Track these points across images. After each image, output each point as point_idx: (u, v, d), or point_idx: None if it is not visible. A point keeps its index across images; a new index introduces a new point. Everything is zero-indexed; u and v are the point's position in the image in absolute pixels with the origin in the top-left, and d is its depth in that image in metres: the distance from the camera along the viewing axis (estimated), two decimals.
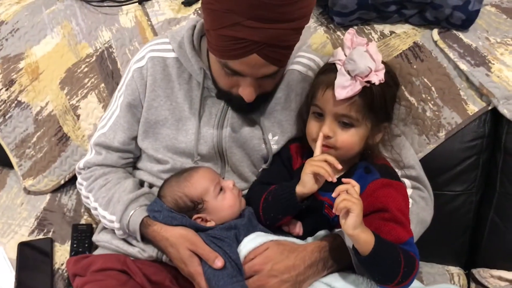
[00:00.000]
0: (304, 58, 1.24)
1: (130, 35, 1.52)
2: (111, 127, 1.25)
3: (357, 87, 0.98)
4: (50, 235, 1.43)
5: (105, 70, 1.50)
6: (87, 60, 1.52)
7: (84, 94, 1.51)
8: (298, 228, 1.12)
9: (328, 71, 1.05)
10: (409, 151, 1.23)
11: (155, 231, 1.11)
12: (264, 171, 1.22)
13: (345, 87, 0.99)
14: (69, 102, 1.51)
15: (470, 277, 1.41)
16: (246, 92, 1.06)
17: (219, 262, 1.02)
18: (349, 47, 1.03)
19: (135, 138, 1.25)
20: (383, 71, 0.99)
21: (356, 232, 0.92)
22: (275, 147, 1.20)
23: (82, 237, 1.37)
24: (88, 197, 1.25)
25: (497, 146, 1.32)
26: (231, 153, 1.20)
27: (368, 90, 0.99)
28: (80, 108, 1.51)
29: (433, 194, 1.24)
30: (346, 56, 1.05)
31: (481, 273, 1.39)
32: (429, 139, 1.30)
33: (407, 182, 1.20)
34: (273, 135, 1.20)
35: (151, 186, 1.25)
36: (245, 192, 1.22)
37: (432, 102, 1.30)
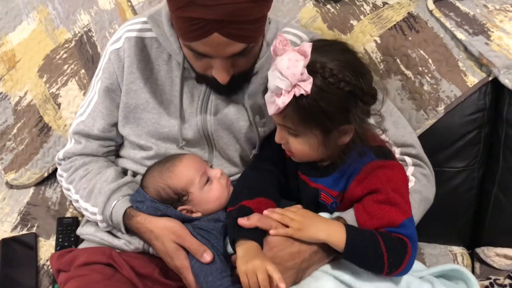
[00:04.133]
0: (289, 35, 1.17)
1: (109, 17, 1.47)
2: (90, 114, 1.20)
3: (277, 105, 0.91)
4: (34, 230, 1.40)
5: (85, 55, 1.46)
6: (66, 45, 1.48)
7: (64, 81, 1.47)
8: None
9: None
10: (406, 129, 1.17)
11: (138, 223, 1.07)
12: (256, 157, 1.16)
13: (271, 102, 0.93)
14: (48, 91, 1.48)
15: (474, 257, 1.37)
16: (219, 74, 1.00)
17: (208, 256, 0.98)
18: (273, 57, 0.94)
19: (115, 125, 1.20)
20: (308, 81, 0.88)
21: (320, 238, 0.94)
22: (263, 130, 1.15)
23: (68, 230, 1.34)
24: (69, 189, 1.21)
25: (499, 119, 1.26)
26: (217, 136, 1.15)
27: (300, 101, 0.89)
28: (60, 96, 1.47)
29: (434, 171, 1.19)
30: None
31: (486, 252, 1.34)
32: (428, 114, 1.24)
33: (407, 159, 1.14)
34: (260, 117, 1.14)
35: (134, 174, 1.20)
36: (235, 177, 1.17)
37: (430, 75, 1.25)
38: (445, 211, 1.30)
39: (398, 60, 1.26)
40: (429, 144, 1.20)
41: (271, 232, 0.97)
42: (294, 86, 0.89)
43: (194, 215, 1.07)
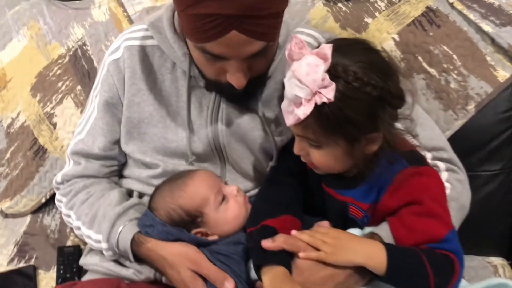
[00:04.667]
0: (303, 35, 1.09)
1: (105, 29, 1.43)
2: (89, 132, 1.13)
3: (296, 116, 0.83)
4: (32, 261, 1.32)
5: (81, 70, 1.41)
6: (60, 61, 1.43)
7: (59, 99, 1.41)
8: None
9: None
10: (435, 131, 1.09)
11: (149, 250, 0.98)
12: (273, 169, 1.08)
13: (289, 112, 0.85)
14: (43, 110, 1.41)
15: None
16: (235, 78, 0.91)
17: (229, 285, 0.91)
18: (288, 63, 0.86)
19: (117, 142, 1.12)
20: (331, 88, 0.80)
21: (358, 262, 0.87)
22: (280, 140, 1.07)
23: (69, 261, 1.26)
24: (69, 215, 1.12)
25: None
26: (230, 149, 1.07)
27: (322, 110, 0.82)
28: (56, 115, 1.41)
29: (467, 176, 1.10)
30: None
31: None
32: (457, 114, 1.17)
33: (440, 164, 1.06)
34: (276, 126, 1.07)
35: (141, 195, 1.13)
36: (251, 193, 1.09)
37: (456, 72, 1.17)
38: (480, 219, 1.20)
39: (420, 57, 1.19)
40: (460, 146, 1.12)
41: (301, 255, 0.88)
42: (315, 93, 0.81)
43: (210, 238, 0.99)
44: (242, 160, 1.08)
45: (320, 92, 0.80)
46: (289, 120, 0.86)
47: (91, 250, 1.13)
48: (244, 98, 1.03)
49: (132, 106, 1.07)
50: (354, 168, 0.93)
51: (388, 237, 0.92)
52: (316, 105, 0.81)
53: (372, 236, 0.94)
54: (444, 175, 1.06)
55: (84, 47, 1.42)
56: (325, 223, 1.00)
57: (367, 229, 0.97)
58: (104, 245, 1.02)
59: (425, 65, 1.19)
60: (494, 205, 1.23)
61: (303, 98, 0.81)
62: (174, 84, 1.07)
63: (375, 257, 0.86)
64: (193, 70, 1.03)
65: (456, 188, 1.05)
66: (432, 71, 1.19)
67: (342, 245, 0.88)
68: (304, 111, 0.82)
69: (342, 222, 0.99)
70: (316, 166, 0.93)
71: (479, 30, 1.18)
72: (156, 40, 1.07)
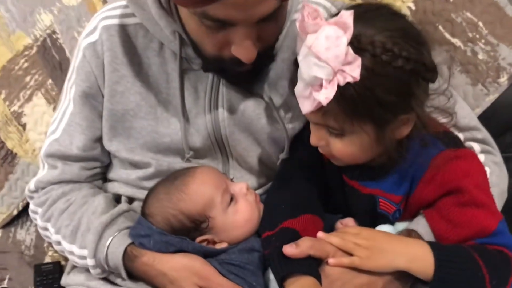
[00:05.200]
0: (312, 4, 0.96)
1: (77, 14, 1.33)
2: (65, 130, 1.01)
3: (315, 101, 0.72)
4: (5, 284, 1.23)
5: (51, 62, 1.33)
6: (26, 53, 1.34)
7: (28, 96, 1.33)
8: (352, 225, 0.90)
9: (296, 64, 0.78)
10: (465, 109, 1.00)
11: (145, 264, 0.87)
12: (285, 162, 0.96)
13: (306, 97, 0.74)
14: (9, 110, 1.33)
15: None
16: (244, 49, 0.78)
17: None
18: (301, 37, 0.74)
19: (99, 140, 1.01)
20: (355, 64, 0.70)
21: (399, 267, 0.77)
22: (291, 127, 0.96)
23: (49, 280, 1.17)
24: (46, 229, 1.01)
25: None
26: (234, 141, 0.96)
27: (346, 91, 0.72)
28: (24, 115, 1.33)
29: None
30: None
31: None
32: (488, 88, 1.09)
33: (475, 146, 0.97)
34: (285, 112, 0.95)
35: (131, 200, 1.02)
36: (260, 191, 0.99)
37: (483, 41, 1.09)
38: None
39: (440, 27, 1.11)
40: (491, 124, 1.02)
41: (330, 261, 0.77)
42: (337, 72, 0.70)
43: (219, 246, 0.88)
44: (248, 154, 0.97)
45: (343, 70, 0.69)
46: (306, 107, 0.74)
47: (74, 267, 1.02)
48: (249, 79, 0.91)
49: (114, 96, 0.96)
50: (382, 155, 0.82)
51: (426, 234, 0.83)
52: (338, 86, 0.70)
53: (409, 233, 0.84)
54: (480, 158, 0.96)
55: (54, 36, 1.32)
56: (350, 220, 0.90)
57: (400, 225, 0.88)
58: (90, 262, 0.91)
59: (447, 35, 1.11)
60: None
61: (324, 79, 0.69)
62: (162, 68, 0.95)
63: (420, 259, 0.76)
64: (185, 50, 0.92)
65: (495, 172, 0.96)
66: (456, 41, 1.11)
67: (379, 248, 0.78)
68: (326, 94, 0.70)
69: (370, 218, 0.89)
70: (337, 158, 0.82)
71: None
72: (138, 18, 0.95)
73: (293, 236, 0.79)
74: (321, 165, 0.92)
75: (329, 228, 0.89)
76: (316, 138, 0.80)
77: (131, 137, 0.97)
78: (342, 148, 0.78)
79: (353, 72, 0.69)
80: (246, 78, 0.89)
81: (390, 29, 0.72)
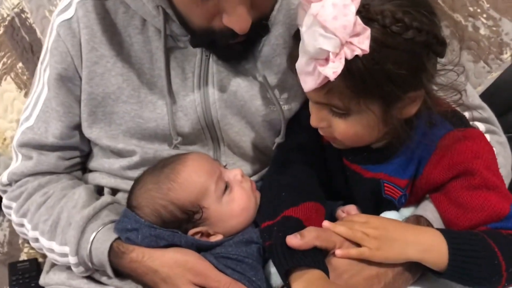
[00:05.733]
0: None
1: None
2: (40, 117, 0.95)
3: (320, 77, 0.67)
4: None
5: (21, 43, 1.27)
6: None
7: None
8: (355, 213, 0.85)
9: (297, 37, 0.72)
10: (468, 88, 0.96)
11: (134, 261, 0.81)
12: (282, 146, 0.91)
13: (309, 73, 0.69)
14: None
15: None
16: (237, 18, 0.72)
17: None
18: (304, 3, 0.68)
19: (78, 127, 0.95)
20: (364, 35, 0.65)
21: (412, 258, 0.73)
22: (287, 109, 0.90)
23: (25, 279, 1.12)
24: (22, 224, 0.96)
25: None
26: (226, 125, 0.90)
27: (353, 66, 0.67)
28: None
29: None
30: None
31: None
32: (490, 66, 1.08)
33: (480, 126, 0.94)
34: (281, 92, 0.90)
35: (114, 192, 0.97)
36: (254, 178, 0.94)
37: (485, 15, 1.07)
38: None
39: (440, 1, 1.08)
40: (494, 103, 0.99)
41: (338, 253, 0.73)
42: (344, 44, 0.64)
43: (213, 239, 0.82)
44: (241, 138, 0.92)
45: (350, 43, 0.64)
46: (309, 84, 0.69)
47: (54, 265, 0.96)
48: (242, 53, 0.85)
49: (93, 78, 0.89)
50: (386, 136, 0.78)
51: (436, 220, 0.80)
52: (345, 60, 0.65)
53: (418, 219, 0.80)
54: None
55: (23, 15, 1.25)
56: (352, 207, 0.86)
57: (406, 211, 0.84)
58: (72, 259, 0.85)
59: (447, 9, 1.10)
60: None
61: (331, 51, 0.64)
62: (146, 47, 0.89)
63: (433, 249, 0.73)
64: (170, 27, 0.85)
65: (500, 153, 0.93)
66: (457, 16, 1.10)
67: (390, 237, 0.74)
68: (334, 69, 0.64)
69: (374, 204, 0.85)
70: (339, 140, 0.77)
71: None
72: None
73: (297, 226, 0.73)
74: (321, 148, 0.87)
75: (329, 216, 0.84)
76: (317, 119, 0.75)
77: (113, 123, 0.91)
78: (346, 129, 0.74)
79: (362, 44, 0.64)
80: (239, 52, 0.84)
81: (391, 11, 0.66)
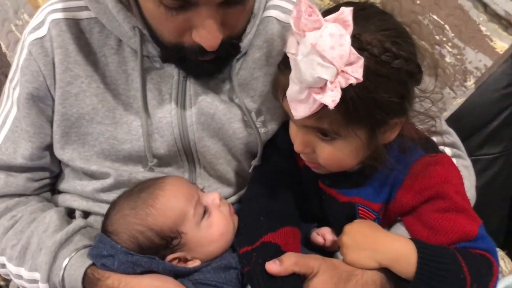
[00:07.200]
0: (283, 1, 0.91)
1: (14, 5, 1.21)
2: (8, 137, 0.89)
3: (315, 105, 0.67)
4: None
5: None
6: None
7: None
8: (330, 235, 0.85)
9: (286, 65, 0.72)
10: None
11: None
12: (258, 169, 0.90)
13: (301, 101, 0.69)
14: None
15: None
16: (206, 34, 0.71)
17: None
18: (297, 33, 0.68)
19: (48, 147, 0.90)
20: (358, 64, 0.66)
21: (383, 263, 0.74)
22: (263, 132, 0.89)
23: None
24: None
25: None
26: (203, 147, 0.87)
27: (346, 93, 0.67)
28: None
29: None
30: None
31: None
32: (455, 92, 1.10)
33: (447, 150, 0.95)
34: (258, 115, 0.88)
35: (86, 215, 0.91)
36: (231, 199, 0.92)
37: (450, 44, 1.09)
38: (478, 208, 1.08)
39: (407, 29, 1.03)
40: (457, 128, 1.01)
41: None
42: (338, 73, 0.65)
43: (191, 264, 0.78)
44: (217, 161, 0.89)
45: (345, 71, 0.65)
46: (301, 112, 0.68)
47: None
48: (212, 71, 0.84)
49: (68, 98, 0.85)
50: (364, 162, 0.78)
51: None
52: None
53: None
54: None
55: None
56: (327, 230, 0.86)
57: None
58: (43, 286, 0.80)
59: (414, 37, 1.04)
60: (494, 192, 1.16)
61: (329, 80, 0.64)
62: (121, 68, 0.85)
63: (402, 258, 0.73)
64: (146, 47, 0.83)
65: (466, 177, 0.93)
66: (423, 44, 1.02)
67: (357, 245, 0.76)
68: (333, 97, 0.64)
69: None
70: (322, 165, 0.77)
71: None
72: (93, 12, 0.84)
73: (276, 251, 0.73)
74: (298, 172, 0.86)
75: (304, 239, 0.84)
76: (302, 144, 0.75)
77: (86, 144, 0.86)
78: (331, 153, 0.74)
79: (356, 73, 0.64)
80: (209, 70, 0.82)
81: (385, 28, 0.69)
